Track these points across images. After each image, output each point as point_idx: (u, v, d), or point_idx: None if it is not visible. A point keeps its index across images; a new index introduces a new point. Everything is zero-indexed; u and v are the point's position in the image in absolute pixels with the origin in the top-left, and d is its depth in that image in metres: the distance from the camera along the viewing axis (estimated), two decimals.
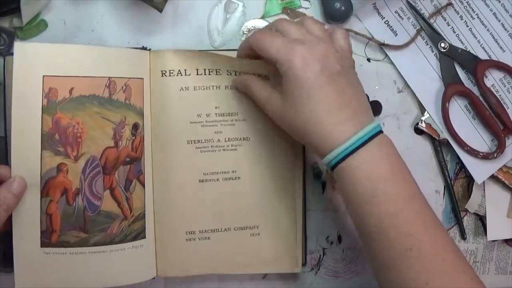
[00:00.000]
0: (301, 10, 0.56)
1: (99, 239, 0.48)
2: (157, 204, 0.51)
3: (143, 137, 0.50)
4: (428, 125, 0.56)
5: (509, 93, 0.57)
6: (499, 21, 0.57)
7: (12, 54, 0.47)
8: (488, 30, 0.56)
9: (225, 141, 0.51)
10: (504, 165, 0.56)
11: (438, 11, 0.56)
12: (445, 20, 0.56)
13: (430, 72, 0.56)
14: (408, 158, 0.56)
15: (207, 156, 0.51)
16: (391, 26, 0.56)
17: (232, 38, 0.55)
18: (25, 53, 0.46)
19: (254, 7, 0.55)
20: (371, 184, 0.42)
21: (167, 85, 0.51)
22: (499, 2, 0.57)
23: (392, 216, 0.42)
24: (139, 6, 0.53)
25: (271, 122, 0.47)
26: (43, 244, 0.47)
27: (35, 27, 0.53)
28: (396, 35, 0.56)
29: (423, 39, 0.56)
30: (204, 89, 0.51)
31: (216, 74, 0.51)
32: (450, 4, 0.56)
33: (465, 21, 0.56)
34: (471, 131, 0.56)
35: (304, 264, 0.55)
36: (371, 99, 0.56)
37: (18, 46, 0.46)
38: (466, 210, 0.58)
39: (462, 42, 0.56)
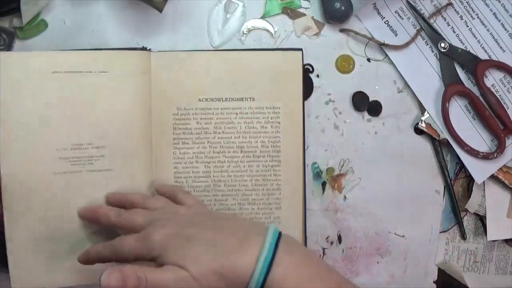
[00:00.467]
0: (301, 10, 0.56)
1: None
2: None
3: None
4: (428, 125, 0.56)
5: (509, 93, 0.57)
6: (499, 21, 0.57)
7: None
8: (488, 30, 0.56)
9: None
10: (504, 165, 0.56)
11: (438, 11, 0.56)
12: (445, 20, 0.56)
13: (430, 72, 0.56)
14: (408, 158, 0.57)
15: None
16: (391, 26, 0.56)
17: (232, 38, 0.55)
18: None
19: (254, 7, 0.55)
20: None
21: None
22: (499, 2, 0.57)
23: None
24: (139, 6, 0.53)
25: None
26: None
27: (35, 27, 0.53)
28: (396, 35, 0.56)
29: (423, 39, 0.56)
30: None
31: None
32: (450, 4, 0.56)
33: (465, 21, 0.56)
34: (471, 131, 0.56)
35: None
36: (371, 99, 0.56)
37: None
38: (466, 210, 0.58)
39: (462, 42, 0.56)
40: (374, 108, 0.56)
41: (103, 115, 0.50)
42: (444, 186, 0.58)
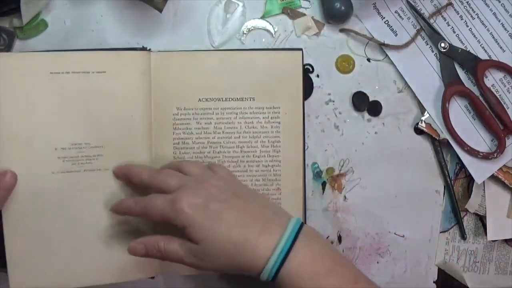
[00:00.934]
0: (301, 10, 0.56)
1: None
2: None
3: None
4: (428, 125, 0.56)
5: (509, 93, 0.57)
6: (499, 21, 0.57)
7: None
8: (488, 30, 0.56)
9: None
10: (504, 165, 0.56)
11: (438, 11, 0.56)
12: (445, 20, 0.56)
13: (430, 72, 0.56)
14: (408, 158, 0.57)
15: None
16: (391, 26, 0.56)
17: (232, 38, 0.55)
18: None
19: (254, 7, 0.55)
20: (316, 283, 0.42)
21: None
22: (499, 2, 0.57)
23: None
24: (139, 6, 0.53)
25: None
26: None
27: (35, 27, 0.53)
28: (396, 35, 0.56)
29: (423, 39, 0.56)
30: None
31: None
32: (450, 4, 0.56)
33: (465, 21, 0.56)
34: (471, 131, 0.56)
35: None
36: (371, 99, 0.56)
37: None
38: (466, 210, 0.58)
39: (462, 42, 0.56)
40: (374, 108, 0.56)
41: (102, 115, 0.50)
42: (444, 186, 0.58)
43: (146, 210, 0.45)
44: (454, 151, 0.56)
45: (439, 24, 0.56)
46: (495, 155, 0.55)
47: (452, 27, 0.56)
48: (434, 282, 0.58)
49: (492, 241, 0.59)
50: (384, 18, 0.56)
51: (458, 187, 0.58)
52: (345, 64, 0.56)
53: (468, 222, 0.59)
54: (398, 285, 0.58)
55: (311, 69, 0.56)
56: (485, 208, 0.57)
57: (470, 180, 0.57)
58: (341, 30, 0.56)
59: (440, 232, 0.58)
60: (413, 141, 0.57)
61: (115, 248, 0.50)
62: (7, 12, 0.51)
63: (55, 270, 0.49)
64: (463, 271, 0.59)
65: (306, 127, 0.54)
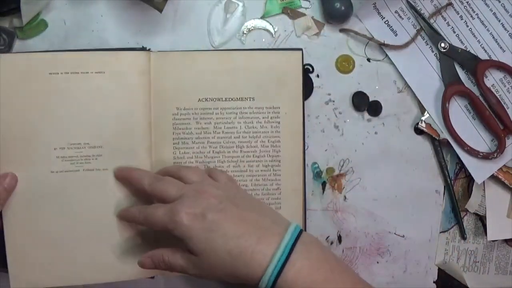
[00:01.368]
0: (301, 10, 0.56)
1: None
2: None
3: None
4: (428, 125, 0.56)
5: (509, 93, 0.57)
6: (499, 21, 0.57)
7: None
8: (488, 30, 0.56)
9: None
10: (504, 165, 0.56)
11: (438, 11, 0.56)
12: (445, 20, 0.56)
13: (430, 72, 0.56)
14: (408, 158, 0.57)
15: None
16: (391, 26, 0.56)
17: (232, 38, 0.55)
18: None
19: (254, 7, 0.55)
20: None
21: None
22: (499, 2, 0.57)
23: None
24: (139, 6, 0.53)
25: None
26: None
27: (35, 27, 0.53)
28: (396, 35, 0.56)
29: (423, 39, 0.56)
30: None
31: None
32: (450, 4, 0.56)
33: (465, 21, 0.56)
34: (471, 131, 0.56)
35: None
36: (371, 99, 0.56)
37: None
38: (466, 210, 0.58)
39: (462, 42, 0.56)
40: (374, 108, 0.56)
41: (101, 115, 0.50)
42: (444, 186, 0.58)
43: (147, 220, 0.46)
44: (454, 151, 0.56)
45: (439, 24, 0.56)
46: (495, 155, 0.55)
47: (452, 27, 0.56)
48: (434, 282, 0.58)
49: (492, 241, 0.59)
50: (384, 18, 0.56)
51: (458, 187, 0.58)
52: (345, 64, 0.56)
53: (468, 222, 0.59)
54: (398, 285, 0.58)
55: (311, 69, 0.56)
56: (485, 208, 0.57)
57: (470, 180, 0.57)
58: (341, 30, 0.56)
59: (440, 232, 0.58)
60: (413, 141, 0.57)
61: (115, 247, 0.50)
62: (7, 12, 0.51)
63: (55, 269, 0.50)
64: (463, 271, 0.59)
65: (306, 127, 0.54)
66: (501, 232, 0.58)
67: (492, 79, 0.57)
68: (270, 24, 0.55)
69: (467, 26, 0.56)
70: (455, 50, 0.56)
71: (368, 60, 0.56)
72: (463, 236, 0.58)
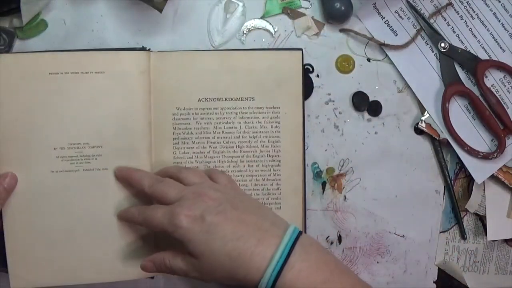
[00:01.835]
0: (301, 10, 0.56)
1: None
2: None
3: None
4: (428, 125, 0.56)
5: (509, 93, 0.57)
6: (499, 21, 0.57)
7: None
8: (488, 30, 0.56)
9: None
10: (504, 165, 0.56)
11: (438, 11, 0.56)
12: (445, 20, 0.56)
13: (430, 72, 0.56)
14: (408, 158, 0.57)
15: None
16: (391, 26, 0.56)
17: (232, 38, 0.55)
18: None
19: (254, 7, 0.55)
20: None
21: None
22: (499, 2, 0.57)
23: None
24: (139, 6, 0.53)
25: None
26: None
27: (35, 27, 0.53)
28: (396, 35, 0.56)
29: (423, 39, 0.56)
30: None
31: None
32: (450, 4, 0.56)
33: (465, 21, 0.56)
34: (471, 131, 0.56)
35: None
36: (371, 99, 0.56)
37: None
38: (466, 210, 0.58)
39: (462, 42, 0.56)
40: (374, 108, 0.56)
41: (101, 115, 0.50)
42: (444, 186, 0.58)
43: (146, 221, 0.47)
44: (454, 151, 0.56)
45: (439, 24, 0.56)
46: (495, 155, 0.55)
47: (452, 27, 0.56)
48: (434, 282, 0.58)
49: (492, 241, 0.59)
50: (384, 18, 0.56)
51: (458, 187, 0.58)
52: (345, 64, 0.56)
53: (468, 222, 0.59)
54: (398, 285, 0.58)
55: (311, 69, 0.56)
56: (485, 208, 0.57)
57: (470, 180, 0.57)
58: (341, 30, 0.56)
59: (440, 232, 0.58)
60: (413, 141, 0.57)
61: (114, 247, 0.51)
62: (7, 12, 0.51)
63: (55, 268, 0.50)
64: (463, 271, 0.59)
65: (306, 127, 0.54)
66: (501, 232, 0.58)
67: (492, 79, 0.57)
68: (270, 24, 0.55)
69: (467, 26, 0.56)
70: (455, 50, 0.56)
71: (368, 60, 0.56)
72: (463, 236, 0.58)
